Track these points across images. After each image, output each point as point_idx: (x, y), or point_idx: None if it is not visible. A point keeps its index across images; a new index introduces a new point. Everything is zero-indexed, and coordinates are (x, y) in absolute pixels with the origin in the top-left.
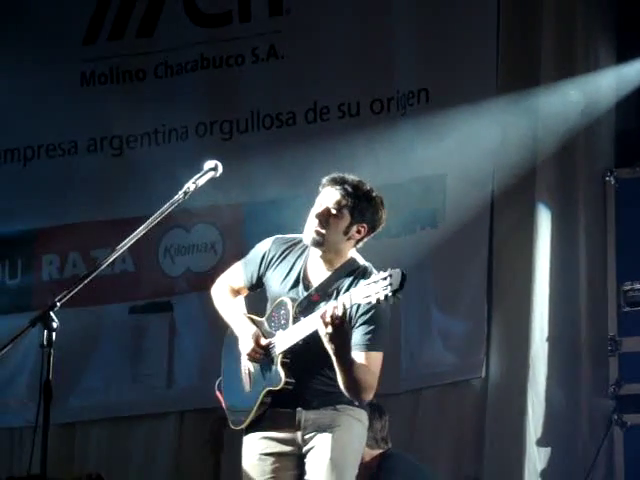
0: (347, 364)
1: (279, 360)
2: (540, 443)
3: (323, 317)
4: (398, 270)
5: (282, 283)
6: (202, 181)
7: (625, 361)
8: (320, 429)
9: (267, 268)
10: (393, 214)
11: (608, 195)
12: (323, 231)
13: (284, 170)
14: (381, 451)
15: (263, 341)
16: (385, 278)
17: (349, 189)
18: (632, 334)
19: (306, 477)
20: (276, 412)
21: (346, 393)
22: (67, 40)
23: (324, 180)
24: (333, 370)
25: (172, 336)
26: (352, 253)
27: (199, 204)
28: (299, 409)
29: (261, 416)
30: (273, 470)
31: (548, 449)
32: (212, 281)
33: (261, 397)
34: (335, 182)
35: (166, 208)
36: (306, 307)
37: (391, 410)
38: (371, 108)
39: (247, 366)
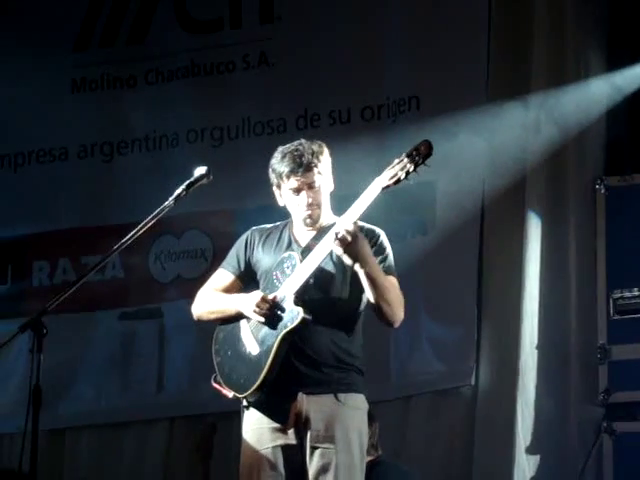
0: (374, 274)
1: (291, 301)
2: (529, 451)
3: (338, 231)
4: (424, 140)
5: (274, 252)
6: (192, 187)
7: (614, 369)
8: (323, 426)
9: (253, 250)
10: (383, 221)
11: (598, 203)
12: (317, 211)
13: None
14: (371, 458)
15: (270, 296)
16: (410, 154)
17: (310, 164)
18: (621, 342)
19: None
20: (278, 402)
21: (380, 314)
22: (58, 47)
23: (281, 167)
24: (340, 333)
25: (162, 342)
26: (330, 214)
27: (189, 210)
28: (300, 395)
29: (265, 399)
30: (280, 464)
31: (537, 457)
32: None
33: (277, 344)
34: (298, 169)
35: (156, 214)
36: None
37: (381, 417)
38: (362, 115)
39: (249, 335)
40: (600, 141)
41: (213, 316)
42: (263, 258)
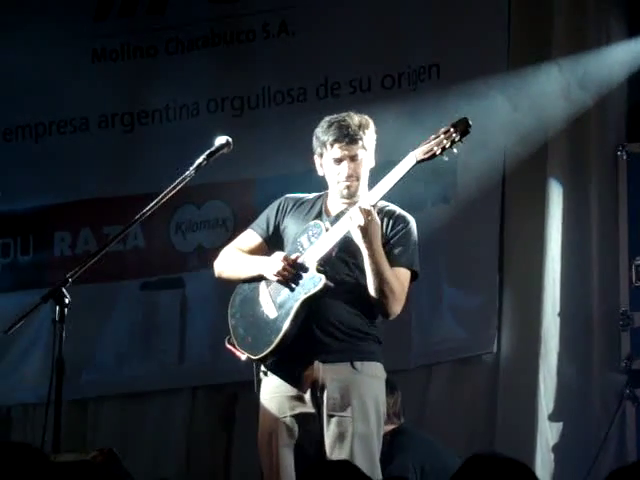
0: (377, 260)
1: (314, 268)
2: (552, 418)
3: (361, 206)
4: (462, 118)
5: (303, 221)
6: (213, 157)
7: (637, 336)
8: (339, 394)
9: (284, 216)
10: (404, 190)
11: (620, 170)
12: (356, 184)
13: (295, 146)
14: (394, 427)
15: (292, 257)
16: (447, 130)
17: (356, 136)
18: None
19: (332, 454)
20: (295, 369)
21: (376, 301)
22: (78, 17)
23: (325, 136)
24: (360, 303)
25: (184, 312)
26: (366, 190)
27: (210, 180)
28: (316, 364)
29: (282, 366)
30: (298, 432)
31: (560, 424)
32: None
33: (296, 308)
34: (343, 138)
35: (177, 184)
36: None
37: (403, 386)
38: (382, 84)
39: (267, 298)
40: (621, 108)
41: (233, 274)
42: (291, 225)
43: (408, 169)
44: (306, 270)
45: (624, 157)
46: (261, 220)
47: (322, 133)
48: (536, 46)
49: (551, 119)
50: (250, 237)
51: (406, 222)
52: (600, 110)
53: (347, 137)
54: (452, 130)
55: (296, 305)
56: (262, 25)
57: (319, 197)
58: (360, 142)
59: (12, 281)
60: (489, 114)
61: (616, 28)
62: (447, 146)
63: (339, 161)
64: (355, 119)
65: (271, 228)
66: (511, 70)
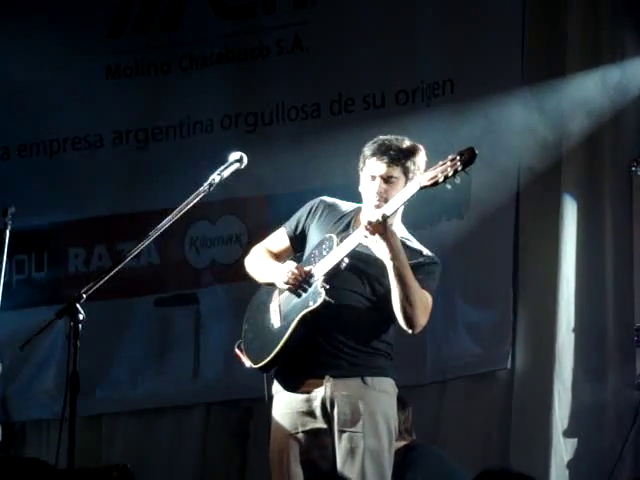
0: (403, 271)
1: (319, 283)
2: (567, 434)
3: (369, 221)
4: (469, 147)
5: (329, 229)
6: (227, 173)
7: None
8: (350, 409)
9: (313, 219)
10: (418, 205)
11: (635, 186)
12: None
13: (309, 162)
14: (405, 443)
15: (304, 268)
16: (454, 158)
17: (393, 157)
18: None
19: (344, 470)
20: (306, 383)
21: (403, 312)
22: (92, 33)
23: (367, 151)
24: (372, 318)
25: (198, 328)
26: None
27: (224, 196)
28: (327, 378)
29: (293, 377)
30: (310, 448)
31: (575, 440)
32: (237, 273)
33: (296, 322)
34: (380, 152)
35: (191, 200)
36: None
37: (417, 402)
38: (396, 99)
39: (277, 307)
40: (636, 123)
41: (254, 276)
42: (314, 230)
43: (411, 194)
44: (310, 285)
45: (639, 173)
46: (293, 219)
47: (366, 147)
48: (550, 61)
49: (565, 135)
50: (280, 236)
51: (434, 261)
52: (614, 126)
53: (386, 155)
54: (458, 158)
55: (296, 319)
56: (276, 41)
57: (353, 210)
58: (399, 166)
59: (26, 297)
60: (503, 129)
61: (630, 43)
62: (449, 175)
63: (373, 178)
64: (400, 142)
65: (299, 229)
66: (525, 85)
